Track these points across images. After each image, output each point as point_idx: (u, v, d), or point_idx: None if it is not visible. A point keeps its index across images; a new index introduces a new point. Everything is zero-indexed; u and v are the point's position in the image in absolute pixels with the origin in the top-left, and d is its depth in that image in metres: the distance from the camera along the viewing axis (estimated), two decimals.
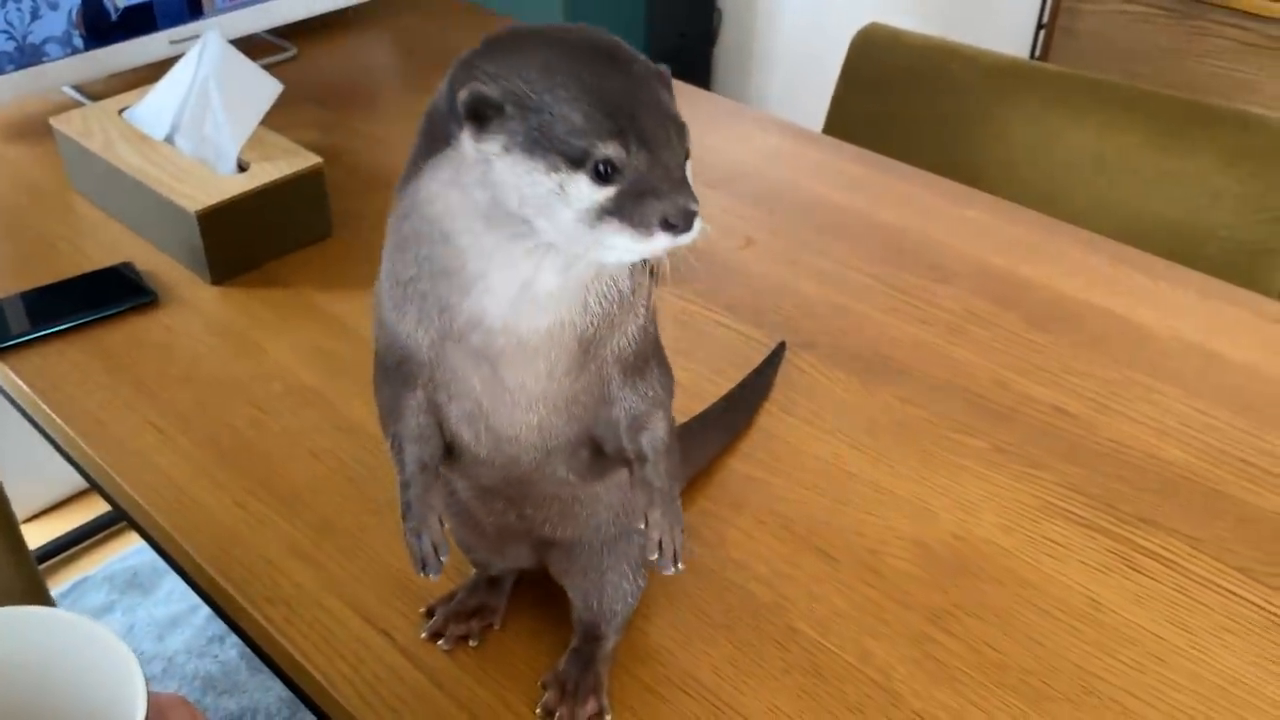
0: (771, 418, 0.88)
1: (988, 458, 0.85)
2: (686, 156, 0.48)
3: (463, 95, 0.46)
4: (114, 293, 0.99)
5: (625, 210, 0.46)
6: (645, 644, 0.71)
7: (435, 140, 0.50)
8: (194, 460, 0.83)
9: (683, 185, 0.46)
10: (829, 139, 1.30)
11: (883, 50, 1.58)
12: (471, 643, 0.70)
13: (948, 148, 1.52)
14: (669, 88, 0.50)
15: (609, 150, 0.45)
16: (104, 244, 1.08)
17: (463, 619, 0.70)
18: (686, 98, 1.37)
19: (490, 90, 0.46)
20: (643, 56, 0.50)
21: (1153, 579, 0.75)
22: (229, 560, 0.76)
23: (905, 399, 0.90)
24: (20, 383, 0.90)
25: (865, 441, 0.86)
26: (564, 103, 0.45)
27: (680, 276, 1.02)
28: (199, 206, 0.98)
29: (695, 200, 0.46)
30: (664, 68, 0.50)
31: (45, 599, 1.09)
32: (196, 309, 1.00)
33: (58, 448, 0.91)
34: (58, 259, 1.05)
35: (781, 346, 0.95)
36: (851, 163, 1.25)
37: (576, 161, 0.45)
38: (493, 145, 0.47)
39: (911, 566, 0.76)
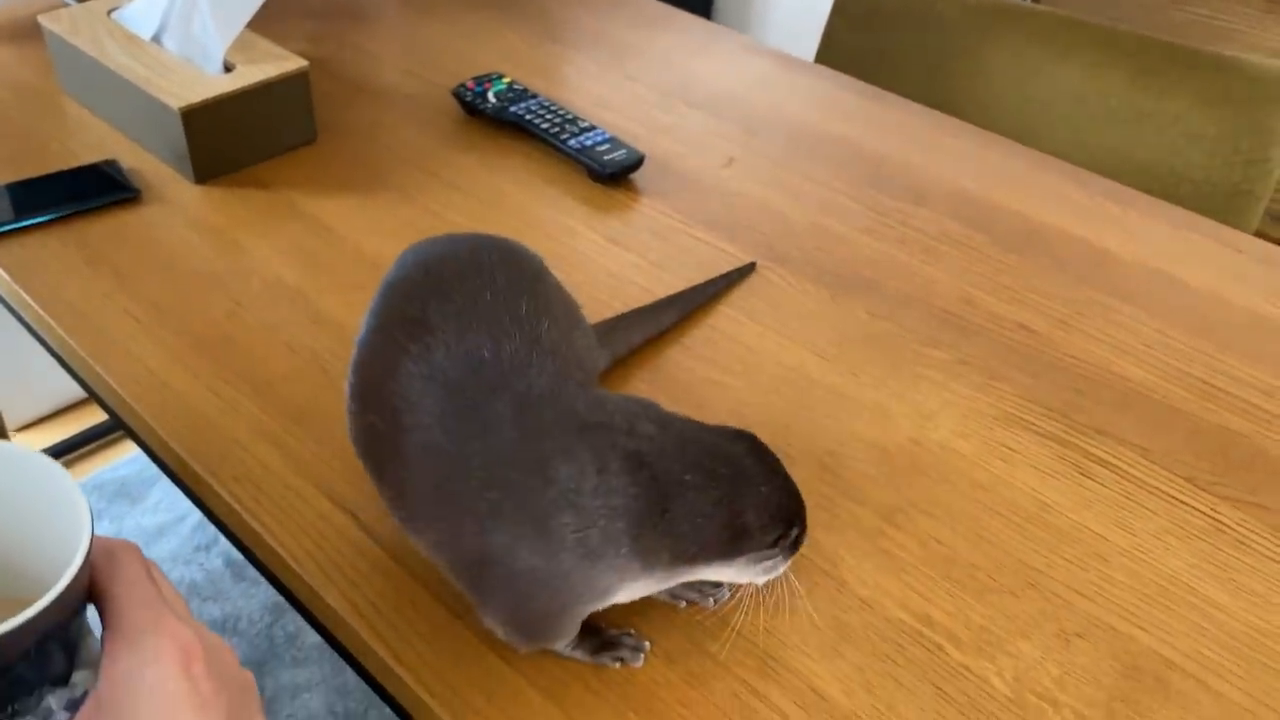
0: (739, 325, 0.88)
1: (950, 369, 0.85)
2: None
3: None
4: (97, 188, 0.99)
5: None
6: None
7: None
8: (170, 349, 0.83)
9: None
10: (820, 67, 1.29)
11: None
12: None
13: (933, 84, 1.51)
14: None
15: None
16: (90, 143, 1.07)
17: None
18: (681, 23, 1.37)
19: None
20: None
21: (1101, 484, 0.76)
22: (199, 441, 0.76)
23: (873, 312, 0.90)
24: (1, 271, 0.90)
25: (831, 351, 0.86)
26: None
27: (661, 191, 1.03)
28: (183, 104, 0.97)
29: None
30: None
31: None
32: (179, 206, 0.99)
33: (37, 337, 0.91)
34: (45, 156, 1.05)
35: (750, 266, 0.95)
36: (840, 90, 1.24)
37: None
38: None
39: (868, 468, 0.76)
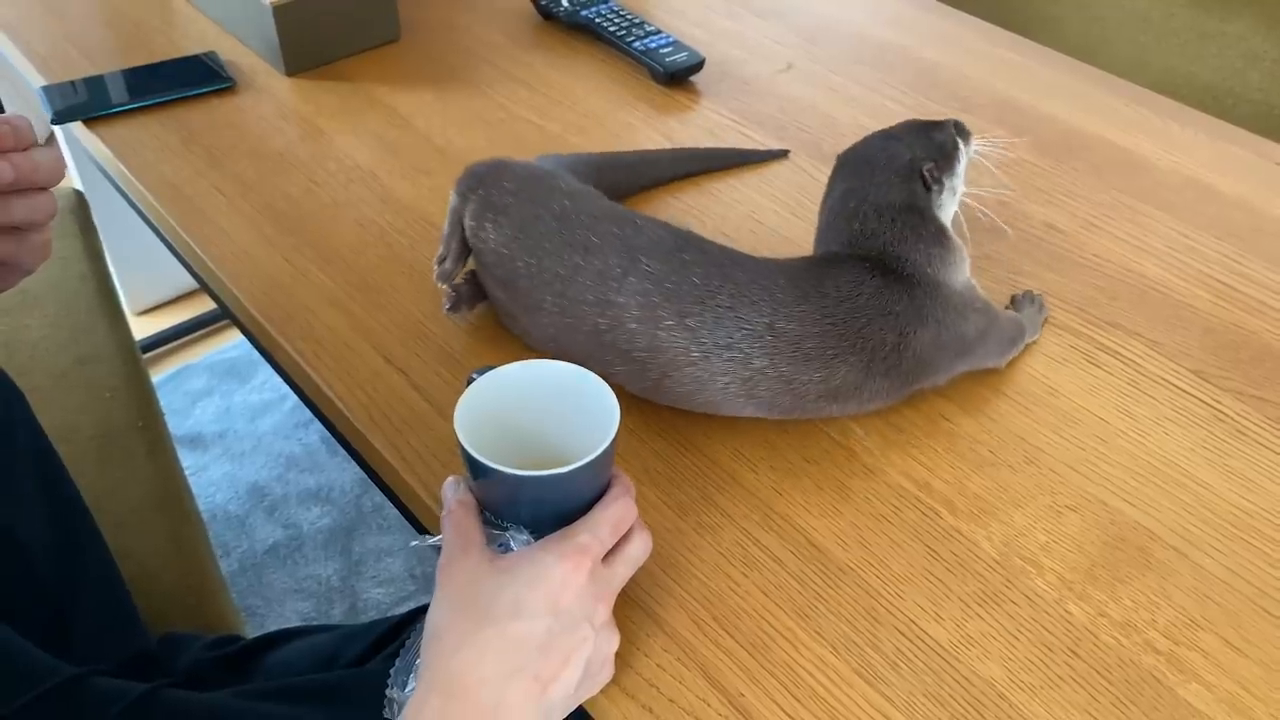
0: (766, 212, 0.89)
1: (976, 264, 0.84)
2: None
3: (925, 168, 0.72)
4: (197, 77, 1.02)
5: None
6: None
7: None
8: (251, 221, 0.87)
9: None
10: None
11: None
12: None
13: (998, 4, 1.46)
14: None
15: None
16: (194, 36, 1.10)
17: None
18: None
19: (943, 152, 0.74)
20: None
21: (1108, 372, 0.75)
22: (271, 304, 0.79)
23: None
24: (106, 149, 0.94)
25: None
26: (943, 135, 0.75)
27: (719, 93, 1.03)
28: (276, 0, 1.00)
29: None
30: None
31: (137, 359, 1.16)
32: (269, 95, 1.02)
33: (147, 222, 0.96)
34: (153, 47, 1.08)
35: (783, 152, 0.95)
36: (902, 3, 1.21)
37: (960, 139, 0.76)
38: (953, 180, 0.74)
39: None
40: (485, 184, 0.72)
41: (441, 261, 0.74)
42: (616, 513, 0.55)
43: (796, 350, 0.65)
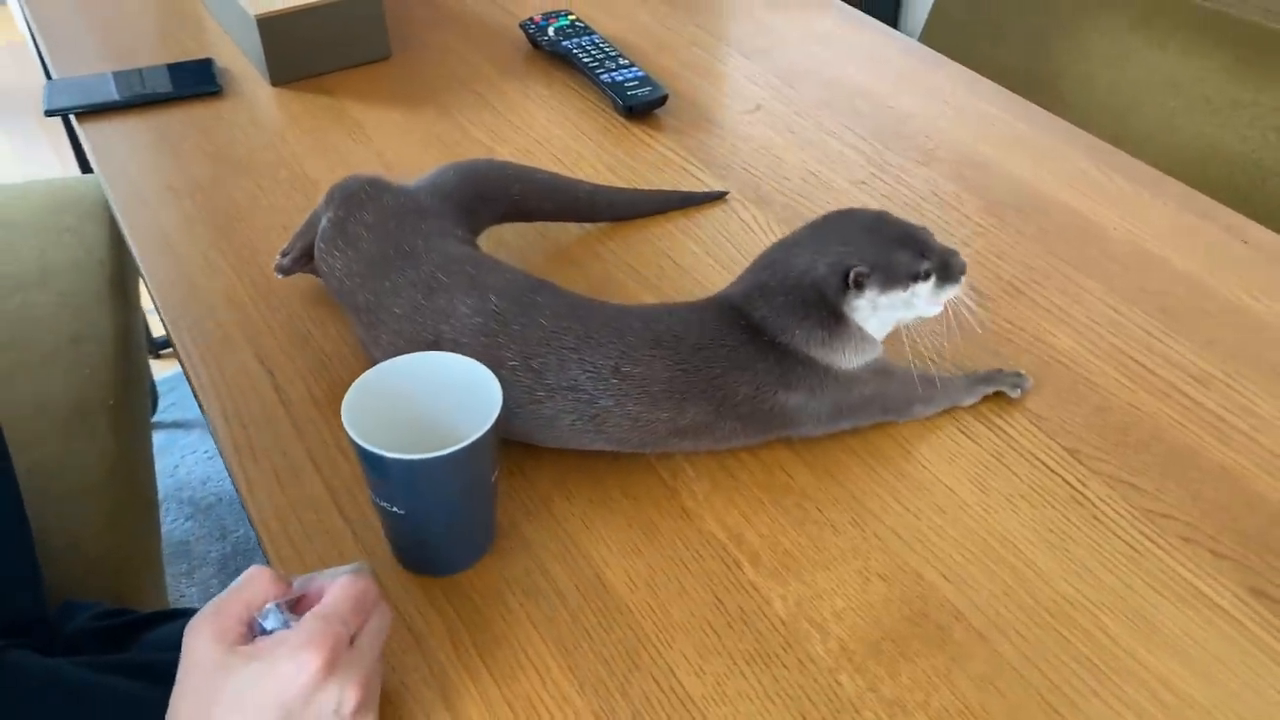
0: (683, 251, 0.88)
1: None
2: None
3: (849, 274, 0.66)
4: (188, 81, 1.08)
5: (939, 284, 0.68)
6: None
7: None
8: (188, 218, 0.91)
9: (947, 251, 0.69)
10: (886, 29, 1.23)
11: None
12: None
13: (1032, 58, 1.42)
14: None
15: (924, 265, 0.67)
16: (203, 41, 1.17)
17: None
18: None
19: (860, 269, 0.66)
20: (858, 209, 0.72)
21: (974, 442, 0.71)
22: (176, 296, 0.83)
23: None
24: (88, 142, 1.00)
25: None
26: (889, 254, 0.67)
27: (678, 129, 1.02)
28: (259, 11, 1.05)
29: (954, 253, 0.69)
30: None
31: (136, 345, 1.22)
32: (250, 103, 1.07)
33: None
34: (162, 49, 1.15)
35: (721, 194, 0.94)
36: (896, 53, 1.18)
37: (915, 278, 0.67)
38: (872, 293, 0.67)
39: None
40: (347, 208, 0.74)
41: (284, 255, 0.79)
42: (354, 592, 0.53)
43: (644, 392, 0.65)
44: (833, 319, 0.67)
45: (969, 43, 1.48)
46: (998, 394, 0.74)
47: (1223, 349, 0.78)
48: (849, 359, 0.68)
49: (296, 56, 1.09)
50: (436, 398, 0.61)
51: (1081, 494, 0.68)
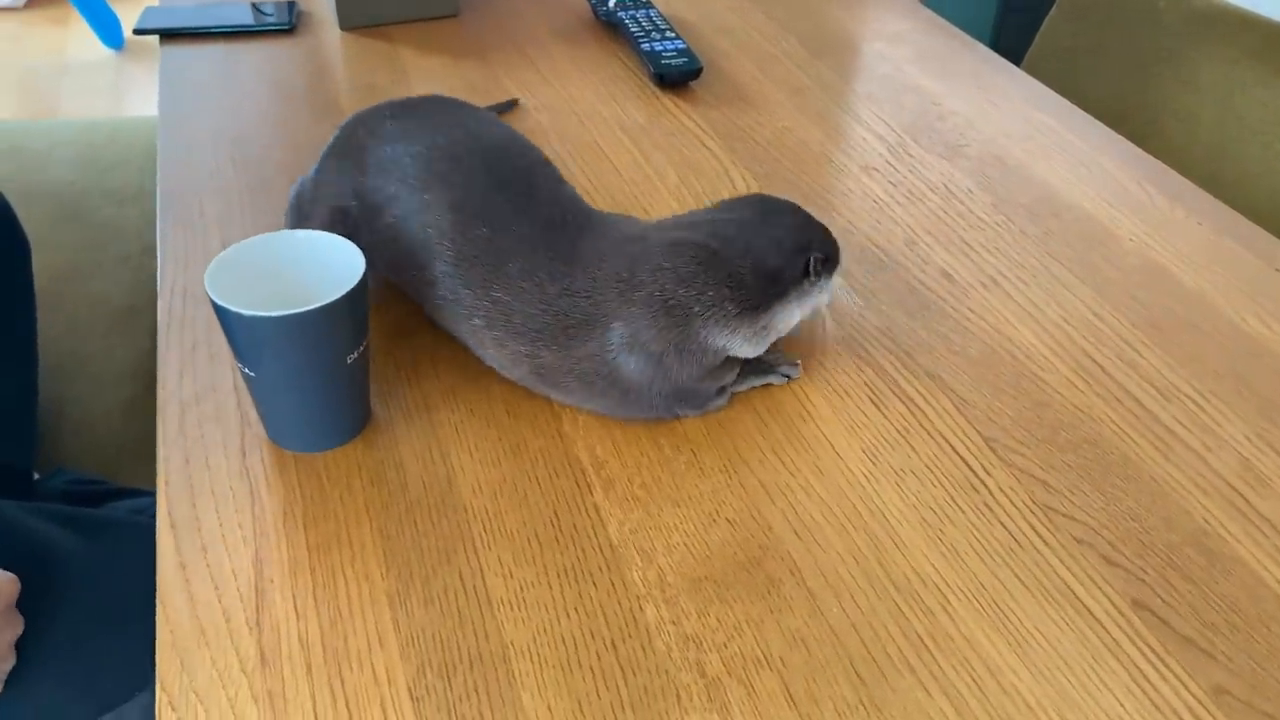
0: (670, 211, 0.86)
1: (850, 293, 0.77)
2: None
3: (809, 260, 0.66)
4: (264, 16, 1.14)
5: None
6: None
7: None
8: (211, 153, 0.96)
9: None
10: (964, 37, 1.18)
11: None
12: None
13: (1136, 86, 1.33)
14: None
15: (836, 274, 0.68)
16: None
17: None
18: None
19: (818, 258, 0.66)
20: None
21: (884, 415, 0.67)
22: (167, 220, 0.87)
23: None
24: (160, 71, 1.08)
25: None
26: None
27: (705, 102, 1.01)
28: None
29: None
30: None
31: None
32: (315, 44, 1.12)
33: None
34: None
35: (512, 103, 0.99)
36: (966, 59, 1.13)
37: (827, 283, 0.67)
38: (819, 284, 0.67)
39: None
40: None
41: None
42: None
43: (507, 321, 0.64)
44: (760, 302, 0.64)
45: (1072, 69, 1.41)
46: (930, 374, 0.70)
47: (1203, 367, 0.71)
48: (743, 346, 0.65)
49: (366, 3, 1.14)
50: (307, 273, 0.62)
51: (980, 480, 0.62)
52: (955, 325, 0.74)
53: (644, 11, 1.14)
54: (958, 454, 0.64)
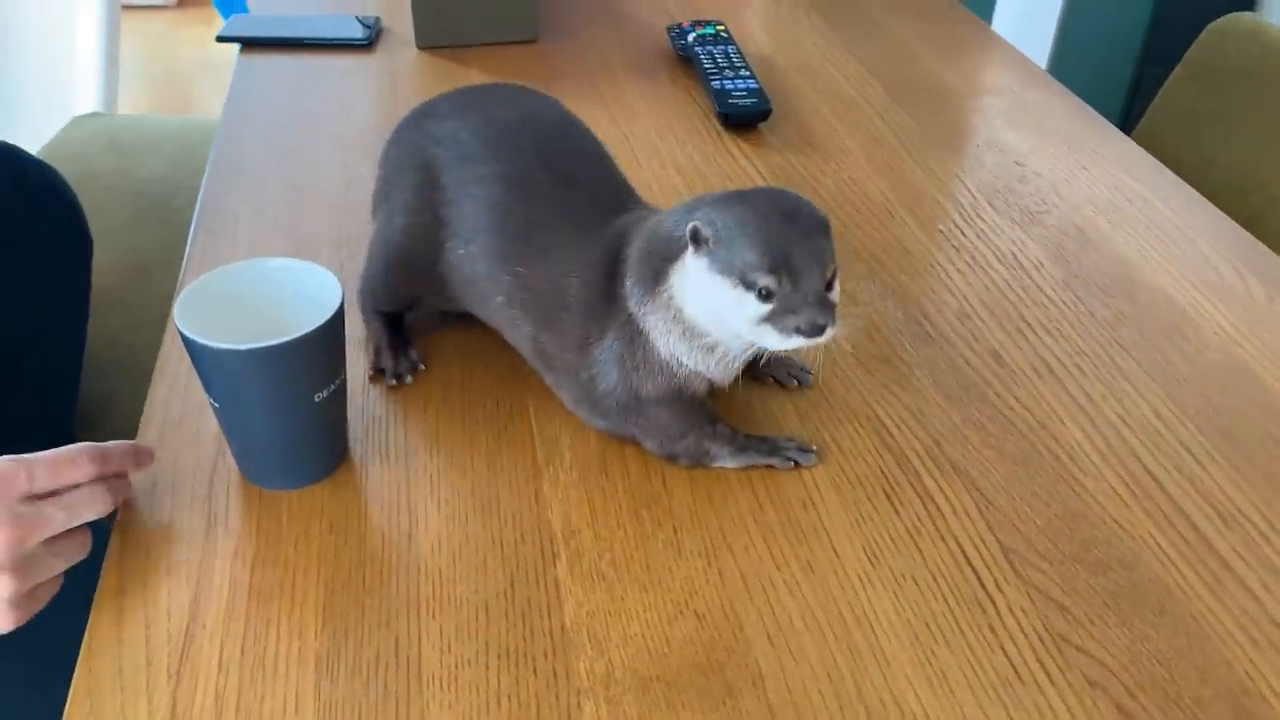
0: None
1: (885, 365, 0.71)
2: (828, 286, 0.55)
3: (689, 226, 0.56)
4: (344, 32, 1.14)
5: (775, 320, 0.55)
6: None
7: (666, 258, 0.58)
8: (249, 157, 0.95)
9: (817, 305, 0.55)
10: (1072, 98, 1.09)
11: (1236, 41, 1.29)
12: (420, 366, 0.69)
13: (1260, 154, 1.22)
14: (827, 234, 0.57)
15: (766, 281, 0.54)
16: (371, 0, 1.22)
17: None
18: (964, 31, 1.23)
19: (705, 229, 0.56)
20: (812, 211, 0.57)
21: (896, 513, 0.60)
22: (205, 214, 0.87)
23: (853, 296, 0.78)
24: (234, 76, 1.08)
25: None
26: (743, 245, 0.55)
27: (770, 146, 0.96)
28: None
29: (825, 317, 0.55)
30: (825, 217, 0.57)
31: None
32: (388, 61, 1.11)
33: None
34: (336, 3, 1.22)
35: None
36: (1066, 117, 1.05)
37: (748, 285, 0.55)
38: (700, 261, 0.56)
39: None
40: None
41: (385, 372, 0.69)
42: (62, 456, 0.52)
43: (521, 297, 0.63)
44: (658, 275, 0.58)
45: (1195, 133, 1.30)
46: (958, 471, 0.63)
47: (1276, 492, 0.62)
48: (658, 331, 0.59)
49: (445, 22, 1.12)
50: (293, 304, 0.59)
51: (989, 597, 0.55)
52: (995, 414, 0.67)
53: (722, 48, 1.09)
54: (969, 563, 0.57)
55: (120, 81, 2.27)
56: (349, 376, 0.61)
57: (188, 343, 0.54)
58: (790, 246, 0.55)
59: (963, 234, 0.85)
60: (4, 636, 0.52)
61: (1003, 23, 2.13)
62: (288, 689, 0.50)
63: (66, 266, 1.01)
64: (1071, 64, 2.19)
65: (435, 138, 0.68)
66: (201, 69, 2.87)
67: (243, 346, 0.53)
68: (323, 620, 0.53)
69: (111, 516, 0.57)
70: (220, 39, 1.13)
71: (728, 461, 0.62)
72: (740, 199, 0.58)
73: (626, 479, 0.62)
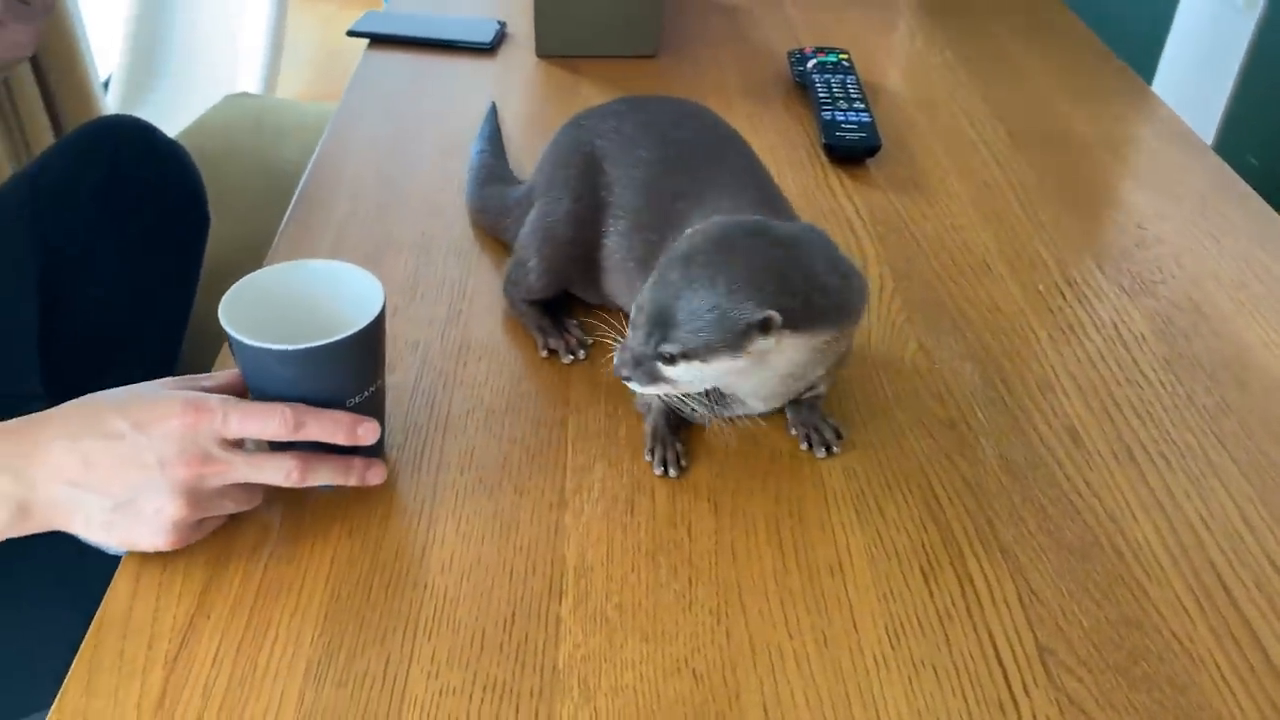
0: None
1: (949, 430, 0.67)
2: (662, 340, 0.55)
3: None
4: (469, 35, 1.15)
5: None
6: None
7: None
8: (354, 153, 0.96)
9: (628, 356, 0.57)
10: (1214, 159, 1.01)
11: None
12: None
13: None
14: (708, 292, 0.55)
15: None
16: (518, 4, 1.22)
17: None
18: (1105, 78, 1.15)
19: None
20: (708, 258, 0.56)
21: (928, 586, 0.56)
22: (302, 206, 0.88)
23: (924, 346, 0.74)
24: (360, 66, 1.10)
25: None
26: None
27: (873, 184, 0.92)
28: None
29: (626, 368, 0.57)
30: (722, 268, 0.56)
31: None
32: (507, 68, 1.12)
33: None
34: (488, 4, 1.23)
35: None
36: (1196, 176, 0.97)
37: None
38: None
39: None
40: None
41: (559, 350, 0.71)
42: (260, 410, 0.54)
43: (624, 261, 0.69)
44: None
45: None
46: (1005, 553, 0.58)
47: None
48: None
49: (566, 33, 1.12)
50: (343, 307, 0.59)
51: (1015, 700, 0.51)
52: (1060, 497, 0.62)
53: (841, 77, 1.05)
54: (999, 658, 0.53)
55: (283, 65, 2.37)
56: (396, 383, 0.61)
57: (230, 337, 0.55)
58: (653, 292, 0.56)
59: (1063, 296, 0.80)
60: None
61: (1165, 85, 2.00)
62: (272, 693, 0.50)
63: (182, 241, 1.05)
64: (1241, 134, 2.04)
65: (598, 131, 0.72)
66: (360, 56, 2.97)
67: (274, 346, 0.53)
68: (321, 627, 0.53)
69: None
70: (350, 34, 1.15)
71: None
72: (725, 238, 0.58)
73: (652, 520, 0.60)
